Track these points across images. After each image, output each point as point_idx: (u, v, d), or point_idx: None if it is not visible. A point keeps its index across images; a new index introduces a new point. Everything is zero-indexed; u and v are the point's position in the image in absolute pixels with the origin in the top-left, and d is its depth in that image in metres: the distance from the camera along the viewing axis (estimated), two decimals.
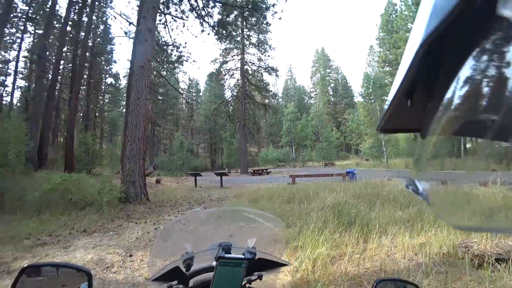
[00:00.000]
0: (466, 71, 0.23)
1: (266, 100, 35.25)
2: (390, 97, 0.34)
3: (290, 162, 48.15)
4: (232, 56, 31.58)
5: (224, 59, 31.06)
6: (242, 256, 0.87)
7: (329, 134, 44.88)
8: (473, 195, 0.32)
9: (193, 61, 22.55)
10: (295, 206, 6.46)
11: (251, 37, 31.19)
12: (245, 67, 31.19)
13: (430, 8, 0.23)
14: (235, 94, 31.86)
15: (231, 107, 33.37)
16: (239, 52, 30.79)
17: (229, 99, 33.29)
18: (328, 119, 54.49)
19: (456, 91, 0.25)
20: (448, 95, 0.26)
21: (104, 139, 39.43)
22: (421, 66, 0.27)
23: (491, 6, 0.18)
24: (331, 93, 64.85)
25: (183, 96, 56.73)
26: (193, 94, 64.80)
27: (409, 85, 0.30)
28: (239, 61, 31.21)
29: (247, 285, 0.93)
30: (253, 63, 31.92)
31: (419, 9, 0.28)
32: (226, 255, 0.86)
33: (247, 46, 30.94)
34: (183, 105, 64.42)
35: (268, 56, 31.88)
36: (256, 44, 31.50)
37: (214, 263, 0.86)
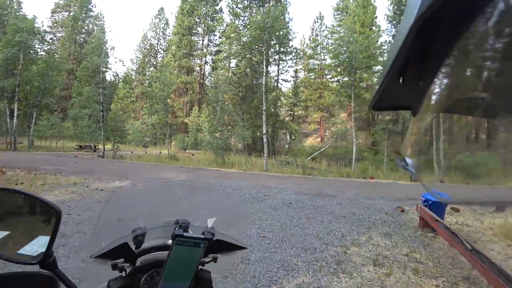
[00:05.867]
0: (458, 50, 0.23)
1: None
2: (382, 75, 0.33)
3: None
4: None
5: None
6: (202, 236, 0.75)
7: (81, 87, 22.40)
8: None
9: None
10: None
11: None
12: None
13: None
14: None
15: None
16: None
17: None
18: None
19: (448, 69, 0.24)
20: (440, 73, 0.25)
21: None
22: (414, 44, 0.26)
23: None
24: None
25: None
26: None
27: (401, 63, 0.29)
28: None
29: (200, 267, 0.84)
30: None
31: None
32: (185, 234, 0.73)
33: None
34: None
35: None
36: None
37: (169, 242, 0.77)
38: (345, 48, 16.72)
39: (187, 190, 1.35)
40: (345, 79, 20.60)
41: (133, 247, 0.80)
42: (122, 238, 0.81)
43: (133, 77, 39.11)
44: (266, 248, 4.10)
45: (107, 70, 29.13)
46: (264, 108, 17.25)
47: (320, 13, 34.95)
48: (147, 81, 37.72)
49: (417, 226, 5.90)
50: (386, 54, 26.42)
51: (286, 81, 36.77)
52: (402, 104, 0.36)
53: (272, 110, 25.96)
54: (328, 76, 33.19)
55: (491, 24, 0.19)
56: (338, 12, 33.85)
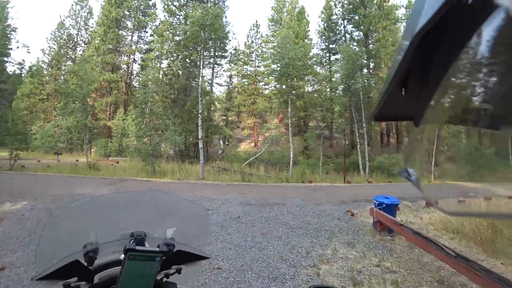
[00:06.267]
0: (460, 61, 0.23)
1: None
2: (385, 86, 0.33)
3: None
4: None
5: None
6: (157, 249, 0.70)
7: None
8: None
9: None
10: None
11: None
12: None
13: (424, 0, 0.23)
14: None
15: None
16: None
17: None
18: None
19: (450, 80, 0.24)
20: (442, 84, 0.25)
21: None
22: (415, 56, 0.26)
23: None
24: None
25: None
26: None
27: (403, 74, 0.29)
28: None
29: (164, 279, 0.79)
30: None
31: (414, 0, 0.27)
32: (137, 247, 0.69)
33: None
34: None
35: None
36: None
37: (122, 256, 0.70)
38: (279, 56, 16.67)
39: (144, 200, 1.28)
40: (278, 86, 20.85)
41: (85, 263, 0.73)
42: (71, 255, 0.74)
43: (45, 71, 32.80)
44: (226, 285, 3.12)
45: (6, 57, 23.49)
46: (200, 111, 15.99)
47: (256, 21, 35.19)
48: (62, 77, 31.94)
49: (371, 229, 5.70)
50: (316, 66, 28.05)
51: (220, 85, 35.71)
52: (404, 114, 0.37)
53: (206, 114, 24.75)
54: (261, 83, 33.65)
55: (491, 37, 0.19)
56: (273, 23, 34.70)
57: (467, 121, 0.25)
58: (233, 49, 29.21)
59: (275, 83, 21.05)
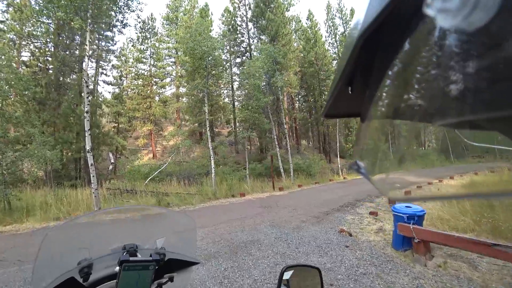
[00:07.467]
0: (397, 62, 0.25)
1: None
2: (333, 85, 0.35)
3: None
4: None
5: None
6: (150, 258, 0.74)
7: None
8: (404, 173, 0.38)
9: None
10: None
11: None
12: None
13: (366, 5, 0.24)
14: None
15: None
16: None
17: None
18: None
19: (389, 80, 0.27)
20: (383, 83, 0.28)
21: None
22: (360, 56, 0.28)
23: (418, 5, 0.20)
24: None
25: None
26: None
27: (349, 73, 0.31)
28: None
29: None
30: None
31: (357, 6, 0.29)
32: (131, 258, 0.72)
33: None
34: None
35: None
36: None
37: (117, 269, 0.73)
38: (194, 44, 13.81)
39: (132, 213, 1.30)
40: (191, 81, 17.96)
41: (80, 280, 0.74)
42: (66, 273, 0.75)
43: None
44: None
45: None
46: (86, 109, 11.19)
47: (152, 14, 30.07)
48: None
49: (401, 253, 4.10)
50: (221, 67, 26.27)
51: (108, 84, 28.97)
52: (352, 111, 0.39)
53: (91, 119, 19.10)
54: (155, 87, 29.50)
55: (423, 40, 0.22)
56: (168, 22, 30.89)
57: (404, 116, 0.27)
58: (137, 24, 23.71)
59: (188, 79, 17.89)
